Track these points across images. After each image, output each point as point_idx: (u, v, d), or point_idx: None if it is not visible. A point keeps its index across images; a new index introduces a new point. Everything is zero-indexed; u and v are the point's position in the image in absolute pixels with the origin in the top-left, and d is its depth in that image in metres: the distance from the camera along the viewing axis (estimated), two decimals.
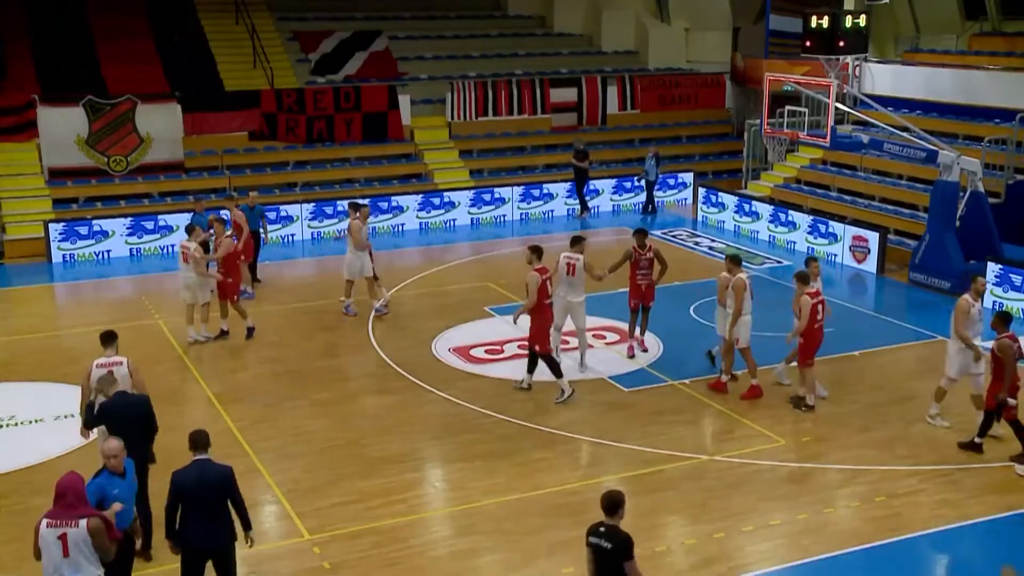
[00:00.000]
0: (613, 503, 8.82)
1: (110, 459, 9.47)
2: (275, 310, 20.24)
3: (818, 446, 14.21)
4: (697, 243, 25.96)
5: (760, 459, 13.77)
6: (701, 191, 29.08)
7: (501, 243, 26.38)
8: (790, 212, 25.94)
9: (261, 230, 21.78)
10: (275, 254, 24.53)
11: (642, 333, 17.71)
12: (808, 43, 26.70)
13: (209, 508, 9.51)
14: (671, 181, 30.87)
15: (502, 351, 17.90)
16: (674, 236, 26.61)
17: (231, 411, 15.36)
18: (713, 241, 26.12)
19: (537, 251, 15.92)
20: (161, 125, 27.46)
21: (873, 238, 23.34)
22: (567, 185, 29.45)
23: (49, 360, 14.48)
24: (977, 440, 13.87)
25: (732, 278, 15.62)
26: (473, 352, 17.83)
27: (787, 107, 26.74)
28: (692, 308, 19.68)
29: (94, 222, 24.93)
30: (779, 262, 24.12)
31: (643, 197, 29.84)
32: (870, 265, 23.31)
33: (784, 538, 11.89)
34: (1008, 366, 13.38)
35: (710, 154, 33.54)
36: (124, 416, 10.83)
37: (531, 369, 16.08)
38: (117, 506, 9.25)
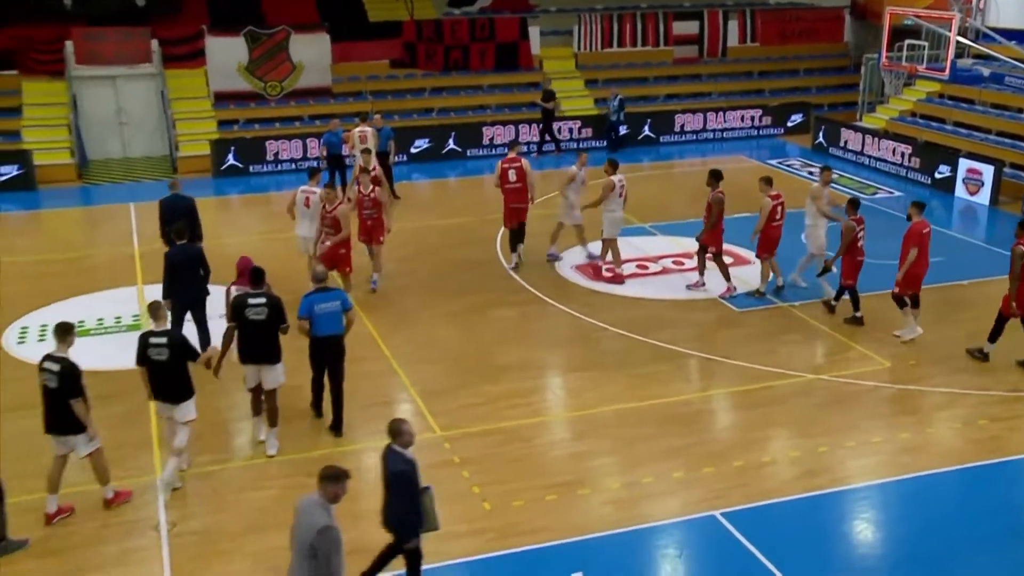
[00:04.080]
0: None
1: (323, 279, 11.98)
2: (412, 227, 20.46)
3: (922, 369, 13.81)
4: (811, 173, 25.21)
5: (865, 380, 13.47)
6: (816, 123, 28.21)
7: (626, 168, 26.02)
8: (902, 144, 24.98)
9: (389, 151, 22.19)
10: (411, 174, 24.77)
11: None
12: None
13: (189, 273, 13.68)
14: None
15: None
16: (788, 166, 25.95)
17: (371, 317, 15.64)
18: None
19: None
20: (312, 53, 27.83)
21: (988, 171, 22.33)
22: (689, 117, 28.89)
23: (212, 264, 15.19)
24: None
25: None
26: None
27: (907, 41, 25.62)
28: (803, 235, 19.18)
29: (252, 142, 25.53)
30: (891, 193, 23.34)
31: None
32: (983, 198, 22.35)
33: (885, 455, 11.66)
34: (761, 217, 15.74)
35: (827, 87, 32.40)
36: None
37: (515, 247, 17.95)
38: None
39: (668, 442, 11.86)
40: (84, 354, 14.47)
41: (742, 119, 29.56)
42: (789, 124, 30.04)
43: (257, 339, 11.47)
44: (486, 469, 11.33)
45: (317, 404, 12.42)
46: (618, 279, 17.11)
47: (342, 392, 12.12)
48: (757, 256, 16.49)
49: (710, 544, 10.00)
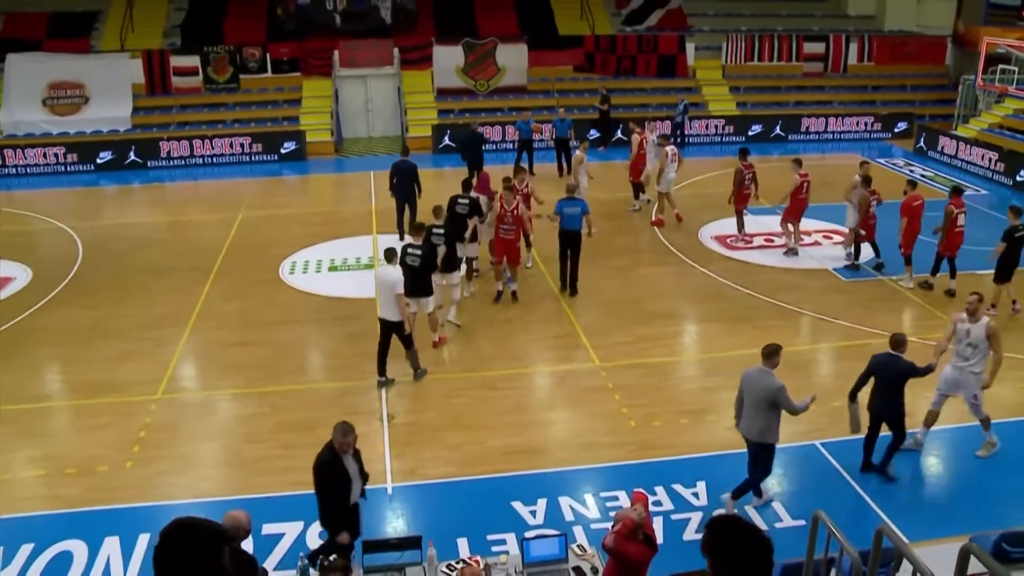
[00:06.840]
0: None
1: (573, 191, 14.16)
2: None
3: None
4: (912, 170, 23.66)
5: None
6: (918, 130, 26.33)
7: (758, 159, 25.05)
8: (990, 151, 23.05)
9: (569, 137, 22.21)
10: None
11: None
12: None
13: (404, 180, 16.40)
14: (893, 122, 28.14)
15: (751, 241, 17.18)
16: (893, 164, 24.38)
17: (549, 269, 15.61)
18: (925, 170, 23.72)
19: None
20: (512, 59, 27.74)
21: None
22: (813, 121, 27.46)
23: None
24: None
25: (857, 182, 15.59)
26: (730, 240, 17.21)
27: (1000, 66, 23.56)
28: None
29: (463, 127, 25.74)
30: (977, 191, 21.65)
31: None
32: None
33: (960, 405, 10.85)
34: (791, 193, 15.91)
35: (928, 101, 30.02)
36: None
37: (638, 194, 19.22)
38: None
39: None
40: (330, 285, 15.11)
41: (856, 124, 27.89)
42: (895, 130, 28.14)
43: (462, 224, 13.50)
44: (633, 395, 11.25)
45: (564, 286, 14.33)
46: (659, 223, 17.98)
47: (577, 271, 14.22)
48: (782, 223, 16.43)
49: (810, 467, 9.67)
